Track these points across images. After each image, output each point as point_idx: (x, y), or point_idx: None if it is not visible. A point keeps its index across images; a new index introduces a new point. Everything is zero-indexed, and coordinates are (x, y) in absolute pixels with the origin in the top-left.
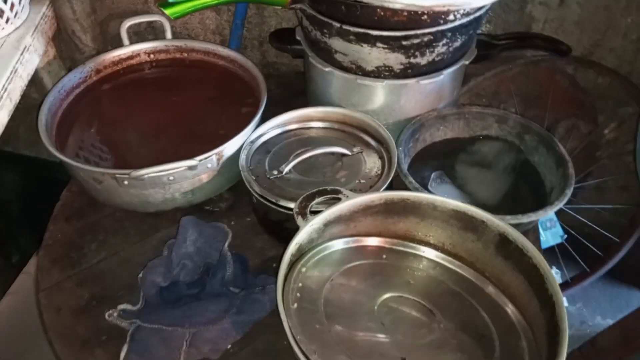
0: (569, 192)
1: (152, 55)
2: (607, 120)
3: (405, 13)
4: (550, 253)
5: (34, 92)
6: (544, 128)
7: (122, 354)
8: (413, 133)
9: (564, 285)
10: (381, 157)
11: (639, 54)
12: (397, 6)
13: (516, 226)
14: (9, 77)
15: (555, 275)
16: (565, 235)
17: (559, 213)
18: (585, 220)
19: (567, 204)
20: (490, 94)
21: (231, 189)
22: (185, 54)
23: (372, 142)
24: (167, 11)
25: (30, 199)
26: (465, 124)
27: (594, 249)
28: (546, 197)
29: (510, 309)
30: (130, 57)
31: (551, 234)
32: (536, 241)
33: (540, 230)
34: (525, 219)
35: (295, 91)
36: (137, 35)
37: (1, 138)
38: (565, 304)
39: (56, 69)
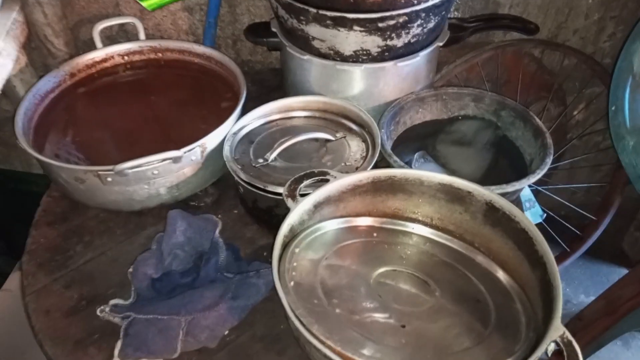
0: (548, 161)
1: (126, 57)
2: (575, 101)
3: None
4: None
5: (6, 104)
6: None
7: (117, 350)
8: (393, 116)
9: None
10: (364, 141)
11: (601, 33)
12: None
13: (501, 196)
14: None
15: None
16: (545, 215)
17: (536, 194)
18: (562, 201)
19: (542, 185)
20: (462, 80)
21: (215, 183)
22: (160, 54)
23: (355, 127)
24: (144, 3)
25: (2, 213)
26: (443, 105)
27: (573, 228)
28: (526, 169)
29: (501, 274)
30: (104, 60)
31: (531, 214)
32: None
33: None
34: (509, 187)
35: (271, 87)
36: (109, 39)
37: None
38: None
39: (28, 77)
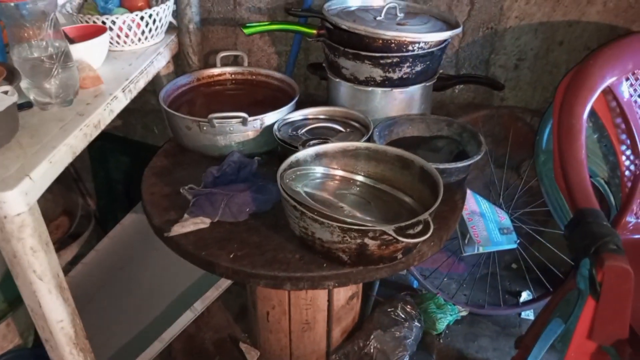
0: (478, 156)
1: (232, 75)
2: None
3: (380, 41)
4: (522, 279)
5: (153, 99)
6: (511, 165)
7: (185, 213)
8: (389, 125)
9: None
10: (363, 135)
11: None
12: (374, 35)
13: (441, 172)
14: (148, 64)
15: (526, 295)
16: (519, 241)
17: (531, 241)
18: (552, 248)
19: (538, 233)
20: None
21: (267, 154)
22: (254, 76)
23: (360, 127)
24: (245, 30)
25: (135, 180)
26: (426, 126)
27: (556, 271)
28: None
29: (410, 200)
30: (220, 75)
31: (506, 239)
32: (462, 197)
33: (498, 234)
34: (441, 165)
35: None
36: (225, 63)
37: (120, 128)
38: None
39: (172, 77)
